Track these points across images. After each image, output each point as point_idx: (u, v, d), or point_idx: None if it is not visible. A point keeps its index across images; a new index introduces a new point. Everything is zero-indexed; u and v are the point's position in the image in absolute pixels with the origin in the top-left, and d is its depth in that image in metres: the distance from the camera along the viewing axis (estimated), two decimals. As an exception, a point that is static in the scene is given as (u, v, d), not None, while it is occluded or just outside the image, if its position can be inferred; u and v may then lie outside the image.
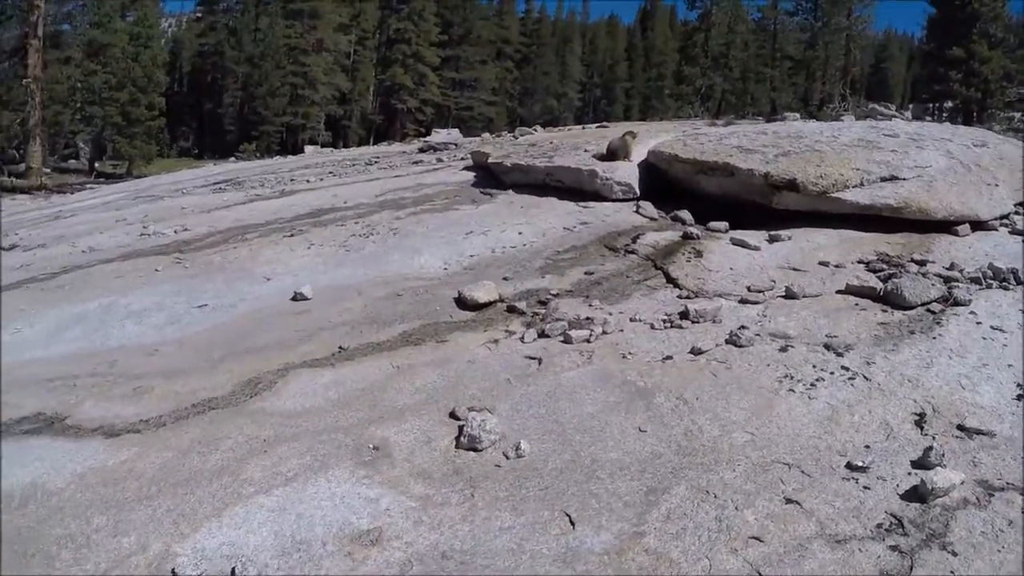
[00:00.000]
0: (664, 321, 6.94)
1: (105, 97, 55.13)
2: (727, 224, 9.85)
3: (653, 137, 13.13)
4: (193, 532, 4.21)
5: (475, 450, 4.98)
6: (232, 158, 46.62)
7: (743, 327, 6.67)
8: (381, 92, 76.48)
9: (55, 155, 57.97)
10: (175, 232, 11.14)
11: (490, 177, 13.24)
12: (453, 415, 5.43)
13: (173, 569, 3.93)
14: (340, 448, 5.06)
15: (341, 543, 4.10)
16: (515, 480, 4.65)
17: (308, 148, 32.64)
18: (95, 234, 11.68)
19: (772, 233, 9.32)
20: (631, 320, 7.06)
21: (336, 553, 4.02)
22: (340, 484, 4.64)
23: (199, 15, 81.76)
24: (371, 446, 5.07)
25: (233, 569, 3.91)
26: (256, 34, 71.95)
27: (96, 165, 56.12)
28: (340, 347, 6.77)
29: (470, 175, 13.94)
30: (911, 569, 3.80)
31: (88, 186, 32.05)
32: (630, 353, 6.33)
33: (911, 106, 55.90)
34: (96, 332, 7.50)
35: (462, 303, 7.60)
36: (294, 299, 8.02)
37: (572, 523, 4.22)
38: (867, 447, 4.88)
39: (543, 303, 7.59)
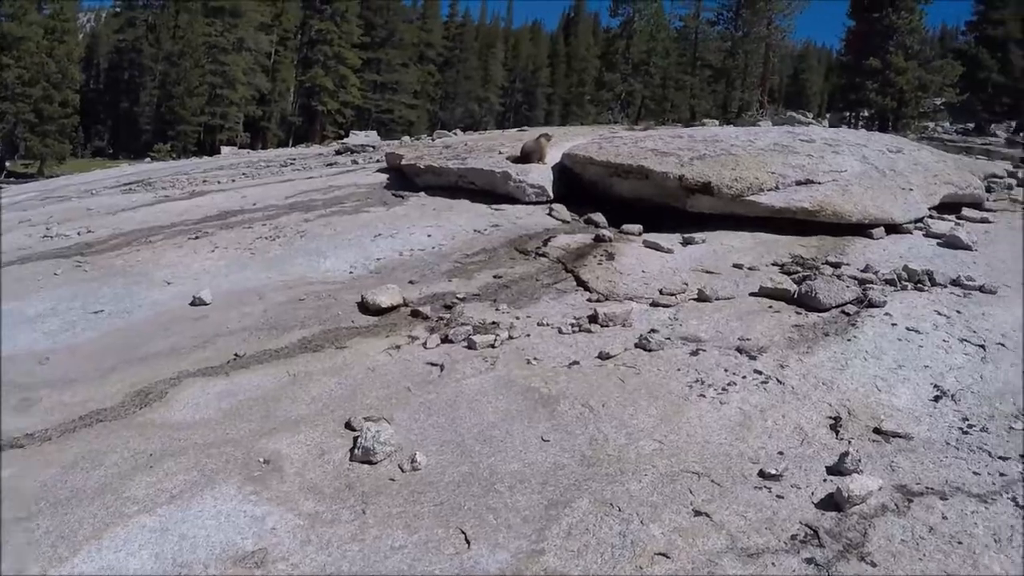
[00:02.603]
0: (572, 325, 6.75)
1: (17, 93, 53.78)
2: (641, 227, 9.75)
3: (569, 140, 13.06)
4: (72, 556, 3.90)
5: (369, 463, 4.71)
6: (147, 159, 45.62)
7: (653, 331, 6.51)
8: (301, 93, 75.63)
9: (-37, 153, 56.32)
10: (78, 234, 10.72)
11: (403, 179, 13.04)
12: (349, 426, 5.15)
13: (48, 596, 3.62)
14: (229, 462, 4.75)
15: (224, 566, 3.81)
16: (410, 495, 4.39)
17: (225, 149, 32.14)
18: (-6, 235, 11.16)
19: (686, 236, 9.24)
20: (538, 324, 6.85)
21: (219, 578, 3.72)
22: (226, 501, 4.34)
23: (117, 10, 79.70)
24: (261, 460, 4.77)
25: (110, 597, 3.61)
26: (175, 31, 70.58)
27: (7, 164, 54.68)
28: (236, 354, 6.46)
29: (383, 177, 13.73)
30: (828, 583, 3.62)
31: (-3, 185, 31.08)
32: (535, 359, 6.12)
33: (828, 115, 56.97)
34: (-16, 338, 7.04)
35: (365, 308, 7.33)
36: (193, 304, 7.70)
37: (468, 541, 3.97)
38: (780, 453, 4.72)
39: (449, 307, 7.36)
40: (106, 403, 5.65)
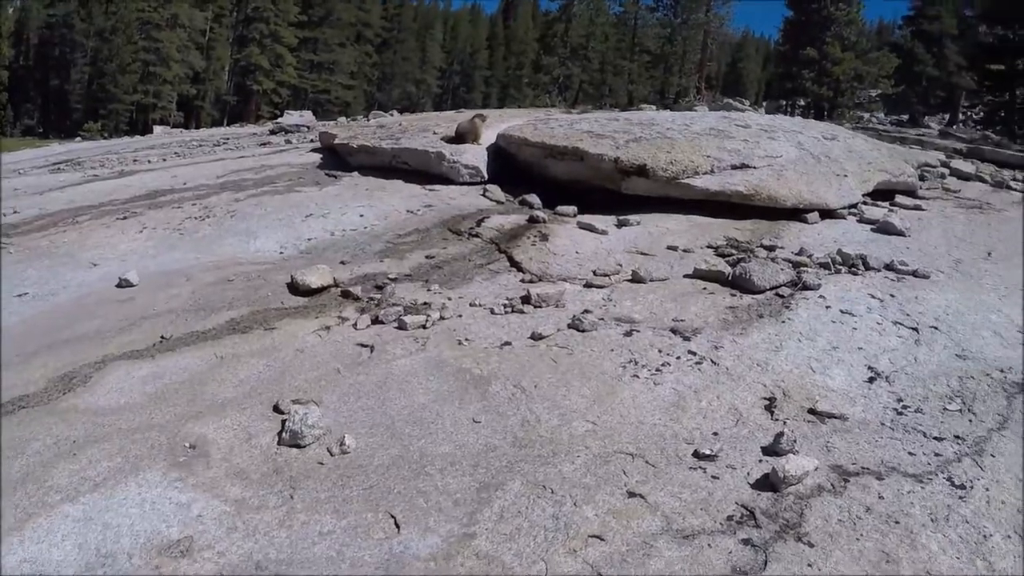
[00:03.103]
0: (505, 306, 6.67)
1: (-57, 69, 52.41)
2: (576, 208, 9.71)
3: (505, 121, 12.99)
4: (-7, 548, 3.73)
5: (298, 446, 4.58)
6: (78, 138, 44.67)
7: (587, 311, 6.47)
8: (236, 72, 74.46)
9: None
10: (4, 215, 10.42)
11: (337, 159, 12.89)
12: (277, 408, 5.01)
13: (-32, 595, 3.47)
14: (154, 448, 4.59)
15: (149, 556, 3.67)
16: (338, 479, 4.27)
17: (157, 129, 31.63)
18: (-88, 218, 10.82)
19: (621, 218, 9.22)
20: (471, 305, 6.76)
21: (143, 567, 3.60)
22: (151, 488, 4.18)
23: (49, -17, 77.97)
24: (187, 444, 4.62)
25: (33, 588, 3.48)
26: (108, 6, 69.12)
27: (-68, 144, 53.23)
28: (162, 337, 6.27)
29: (317, 157, 13.57)
30: (765, 564, 3.57)
31: (-82, 167, 30.17)
32: (467, 339, 6.03)
33: (765, 103, 57.61)
34: (-99, 325, 6.78)
35: (295, 288, 7.17)
36: (119, 286, 7.46)
37: (397, 526, 3.86)
38: (715, 434, 4.68)
39: (380, 288, 7.23)
40: (28, 389, 5.45)
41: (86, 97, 69.92)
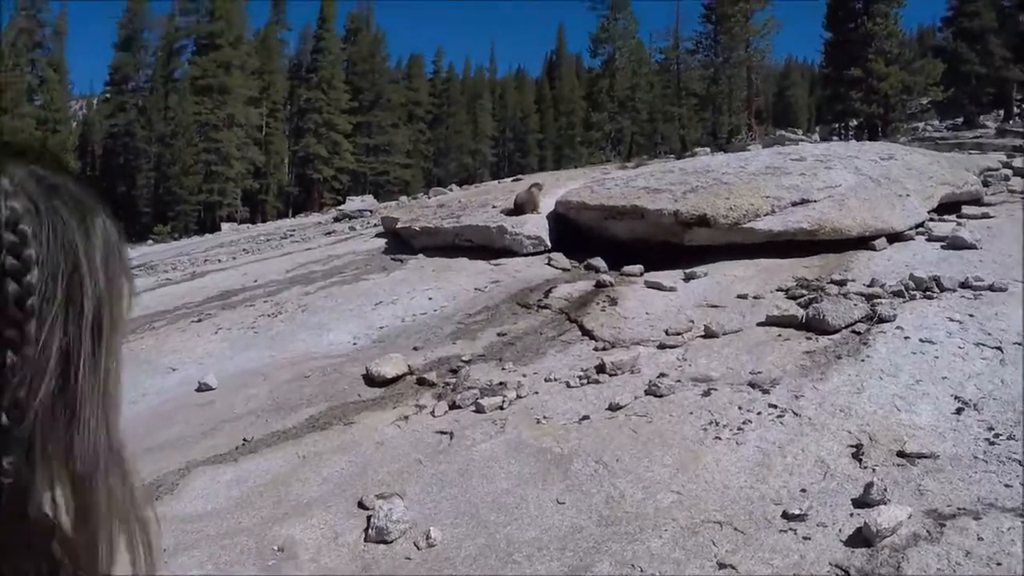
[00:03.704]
0: (580, 377, 6.63)
1: (14, 185, 54.08)
2: (642, 267, 9.70)
3: (562, 186, 13.08)
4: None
5: (384, 542, 4.59)
6: (149, 241, 45.76)
7: (662, 375, 6.40)
8: (296, 163, 75.79)
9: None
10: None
11: (401, 242, 13.04)
12: (361, 504, 5.04)
13: None
14: (243, 553, 4.65)
15: (244, 664, 3.69)
16: (427, 573, 4.26)
17: (225, 226, 32.39)
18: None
19: (687, 271, 9.15)
20: (545, 380, 6.73)
21: (241, 676, 3.62)
22: (243, 596, 4.22)
23: (108, 95, 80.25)
24: (275, 548, 4.67)
25: None
26: (166, 112, 71.04)
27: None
28: (244, 439, 6.38)
29: (381, 242, 13.73)
30: (865, 625, 3.47)
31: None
32: (545, 417, 5.99)
33: (818, 128, 57.05)
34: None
35: (370, 380, 7.23)
36: (199, 389, 7.64)
37: (490, 619, 3.84)
38: (803, 491, 4.55)
39: (454, 371, 7.26)
40: (118, 500, 5.55)
41: (153, 201, 71.60)
